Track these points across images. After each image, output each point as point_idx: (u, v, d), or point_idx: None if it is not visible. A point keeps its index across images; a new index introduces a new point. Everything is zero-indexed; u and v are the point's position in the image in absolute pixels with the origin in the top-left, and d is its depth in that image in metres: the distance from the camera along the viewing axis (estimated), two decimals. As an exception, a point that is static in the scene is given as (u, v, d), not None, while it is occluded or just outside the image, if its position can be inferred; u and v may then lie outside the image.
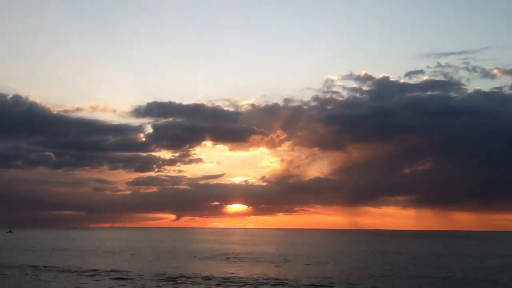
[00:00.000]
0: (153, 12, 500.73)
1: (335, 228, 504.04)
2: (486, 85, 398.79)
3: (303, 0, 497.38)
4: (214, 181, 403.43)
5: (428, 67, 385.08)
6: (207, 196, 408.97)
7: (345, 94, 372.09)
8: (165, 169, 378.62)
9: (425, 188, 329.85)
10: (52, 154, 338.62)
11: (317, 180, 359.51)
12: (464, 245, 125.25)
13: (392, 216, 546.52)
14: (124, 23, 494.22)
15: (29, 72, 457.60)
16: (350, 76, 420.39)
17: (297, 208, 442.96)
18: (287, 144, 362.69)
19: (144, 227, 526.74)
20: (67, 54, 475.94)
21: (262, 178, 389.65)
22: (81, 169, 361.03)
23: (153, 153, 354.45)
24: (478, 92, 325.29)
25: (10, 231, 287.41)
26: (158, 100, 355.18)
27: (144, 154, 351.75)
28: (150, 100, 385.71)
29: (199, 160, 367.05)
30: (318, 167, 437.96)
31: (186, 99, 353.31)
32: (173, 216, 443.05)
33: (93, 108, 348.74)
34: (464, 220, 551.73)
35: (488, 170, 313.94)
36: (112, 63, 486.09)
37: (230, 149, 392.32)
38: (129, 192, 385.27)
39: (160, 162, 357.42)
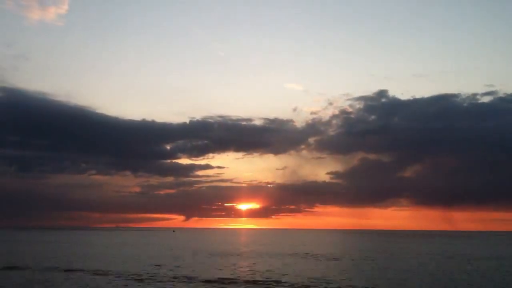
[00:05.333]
0: (197, 39, 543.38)
1: (345, 229, 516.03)
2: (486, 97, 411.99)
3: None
4: (225, 184, 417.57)
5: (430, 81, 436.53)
6: (217, 198, 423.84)
7: (356, 107, 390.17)
8: (182, 174, 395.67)
9: (428, 189, 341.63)
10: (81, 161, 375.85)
11: (324, 183, 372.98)
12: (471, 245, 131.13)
13: (396, 217, 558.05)
14: (180, 52, 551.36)
15: (97, 88, 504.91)
16: (363, 92, 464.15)
17: (304, 209, 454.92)
18: (297, 149, 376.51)
19: (152, 228, 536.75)
20: (133, 74, 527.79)
21: (272, 182, 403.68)
22: (104, 173, 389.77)
23: (176, 161, 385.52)
24: (479, 101, 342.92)
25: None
26: (200, 119, 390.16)
27: (168, 161, 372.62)
28: (198, 117, 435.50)
29: (214, 166, 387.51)
30: (325, 171, 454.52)
31: (225, 117, 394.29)
32: (182, 217, 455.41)
33: (144, 121, 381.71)
34: (467, 220, 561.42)
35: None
36: (165, 84, 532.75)
37: (244, 155, 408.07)
38: (140, 195, 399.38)
39: (179, 168, 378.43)
